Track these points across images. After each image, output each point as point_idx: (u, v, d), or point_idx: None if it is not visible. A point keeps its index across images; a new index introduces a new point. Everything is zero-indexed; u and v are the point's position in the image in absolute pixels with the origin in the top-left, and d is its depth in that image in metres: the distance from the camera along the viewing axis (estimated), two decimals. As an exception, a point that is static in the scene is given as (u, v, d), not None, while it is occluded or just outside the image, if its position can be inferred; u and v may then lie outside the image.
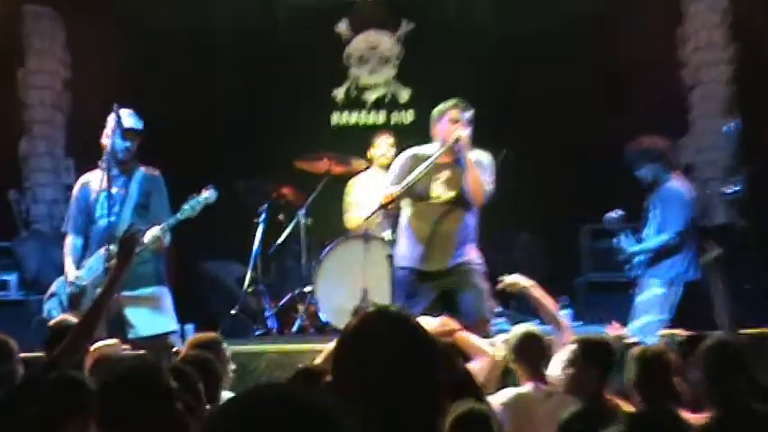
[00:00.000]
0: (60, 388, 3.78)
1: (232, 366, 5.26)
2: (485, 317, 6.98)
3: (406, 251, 7.20)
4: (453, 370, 4.43)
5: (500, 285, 6.26)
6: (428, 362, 2.32)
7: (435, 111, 7.19)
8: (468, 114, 7.05)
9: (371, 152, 8.96)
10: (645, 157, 7.56)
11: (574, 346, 4.96)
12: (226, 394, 4.71)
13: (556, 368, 5.11)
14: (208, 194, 7.04)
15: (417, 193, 7.10)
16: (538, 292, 6.03)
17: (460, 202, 7.08)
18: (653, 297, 7.33)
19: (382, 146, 8.91)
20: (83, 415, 3.62)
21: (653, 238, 7.47)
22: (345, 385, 2.29)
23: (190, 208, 7.01)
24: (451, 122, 7.01)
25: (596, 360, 4.80)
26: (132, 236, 5.02)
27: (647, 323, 7.18)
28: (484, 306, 7.02)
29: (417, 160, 7.03)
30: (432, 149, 7.02)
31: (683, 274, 7.38)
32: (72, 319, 5.73)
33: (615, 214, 7.59)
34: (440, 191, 7.08)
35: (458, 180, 7.04)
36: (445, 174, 7.07)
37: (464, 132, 6.96)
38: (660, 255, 7.43)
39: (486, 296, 7.07)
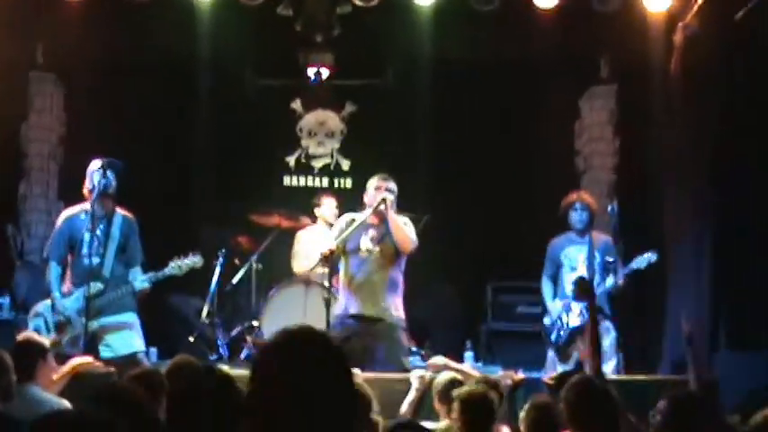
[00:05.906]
0: None
1: None
2: (402, 366, 7.16)
3: (342, 299, 7.45)
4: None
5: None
6: (338, 375, 2.18)
7: (368, 184, 7.52)
8: (390, 184, 7.36)
9: (318, 210, 9.12)
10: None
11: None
12: None
13: None
14: (196, 260, 7.08)
15: (351, 248, 7.39)
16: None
17: (386, 256, 7.37)
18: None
19: (330, 207, 9.06)
20: None
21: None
22: (265, 397, 2.15)
23: (177, 267, 7.02)
24: (376, 190, 7.37)
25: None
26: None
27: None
28: (400, 358, 7.26)
29: (352, 222, 7.39)
30: (364, 214, 7.40)
31: None
32: (37, 337, 5.62)
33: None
34: (368, 245, 7.38)
35: (383, 237, 7.37)
36: (372, 232, 7.41)
37: (389, 196, 7.29)
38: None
39: (403, 350, 7.37)
